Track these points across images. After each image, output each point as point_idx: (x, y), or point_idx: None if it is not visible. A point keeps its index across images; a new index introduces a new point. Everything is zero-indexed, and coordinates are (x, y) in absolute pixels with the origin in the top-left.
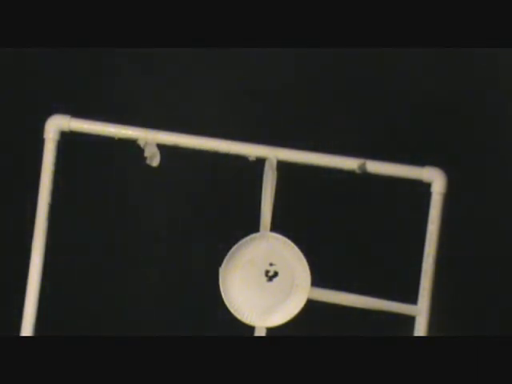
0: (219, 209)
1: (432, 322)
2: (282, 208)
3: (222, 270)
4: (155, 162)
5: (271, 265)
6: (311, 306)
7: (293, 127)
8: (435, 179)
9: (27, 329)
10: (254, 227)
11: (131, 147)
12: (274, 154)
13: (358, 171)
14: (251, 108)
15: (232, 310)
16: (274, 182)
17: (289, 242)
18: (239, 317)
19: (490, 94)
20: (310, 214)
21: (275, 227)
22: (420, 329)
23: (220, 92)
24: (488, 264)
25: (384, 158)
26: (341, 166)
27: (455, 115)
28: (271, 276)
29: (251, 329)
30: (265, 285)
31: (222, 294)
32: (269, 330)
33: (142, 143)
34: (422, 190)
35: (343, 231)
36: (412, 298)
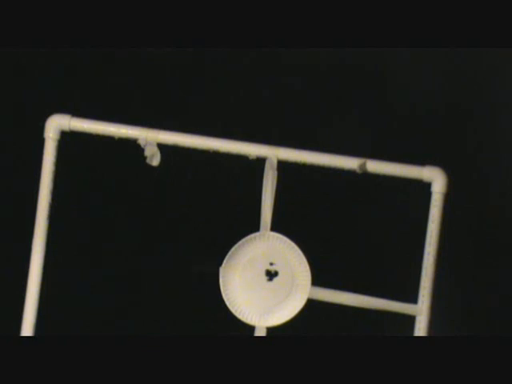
0: (219, 209)
1: (432, 322)
2: (281, 208)
3: (222, 270)
4: (155, 161)
5: (271, 264)
6: (311, 305)
7: (293, 127)
8: (435, 179)
9: (27, 329)
10: (254, 227)
11: (131, 147)
12: (274, 154)
13: (358, 171)
14: (251, 108)
15: (232, 310)
16: (274, 182)
17: (289, 241)
18: (239, 317)
19: (490, 93)
20: (310, 213)
21: (275, 227)
22: (420, 329)
23: (220, 92)
24: (488, 264)
25: (384, 158)
26: (341, 166)
27: (455, 115)
28: (271, 275)
29: (251, 329)
30: (265, 284)
31: (222, 294)
32: (269, 329)
33: (142, 143)
34: (421, 189)
35: (343, 231)
36: (412, 298)
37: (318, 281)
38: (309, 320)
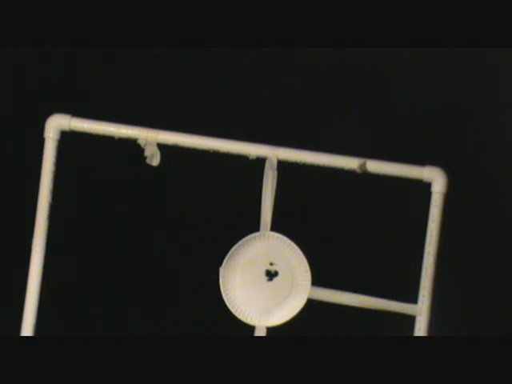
0: (219, 209)
1: (432, 322)
2: (282, 208)
3: (222, 270)
4: (155, 161)
5: (271, 264)
6: (311, 305)
7: (293, 127)
8: (435, 179)
9: (27, 329)
10: (254, 227)
11: (131, 147)
12: (274, 154)
13: (358, 171)
14: (251, 108)
15: (232, 310)
16: (274, 182)
17: (289, 241)
18: (239, 317)
19: (490, 93)
20: (310, 213)
21: (275, 227)
22: (420, 329)
23: (220, 92)
24: (488, 264)
25: (384, 158)
26: (341, 166)
27: (455, 115)
28: (271, 275)
29: (251, 329)
30: (265, 284)
31: (222, 294)
32: (269, 329)
33: (142, 143)
34: (421, 189)
35: (343, 231)
36: (412, 298)
37: (318, 281)
38: (309, 320)
